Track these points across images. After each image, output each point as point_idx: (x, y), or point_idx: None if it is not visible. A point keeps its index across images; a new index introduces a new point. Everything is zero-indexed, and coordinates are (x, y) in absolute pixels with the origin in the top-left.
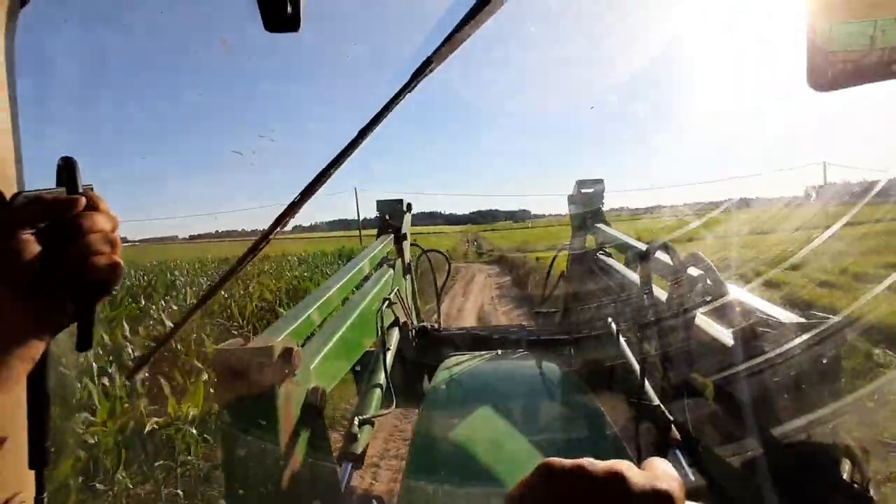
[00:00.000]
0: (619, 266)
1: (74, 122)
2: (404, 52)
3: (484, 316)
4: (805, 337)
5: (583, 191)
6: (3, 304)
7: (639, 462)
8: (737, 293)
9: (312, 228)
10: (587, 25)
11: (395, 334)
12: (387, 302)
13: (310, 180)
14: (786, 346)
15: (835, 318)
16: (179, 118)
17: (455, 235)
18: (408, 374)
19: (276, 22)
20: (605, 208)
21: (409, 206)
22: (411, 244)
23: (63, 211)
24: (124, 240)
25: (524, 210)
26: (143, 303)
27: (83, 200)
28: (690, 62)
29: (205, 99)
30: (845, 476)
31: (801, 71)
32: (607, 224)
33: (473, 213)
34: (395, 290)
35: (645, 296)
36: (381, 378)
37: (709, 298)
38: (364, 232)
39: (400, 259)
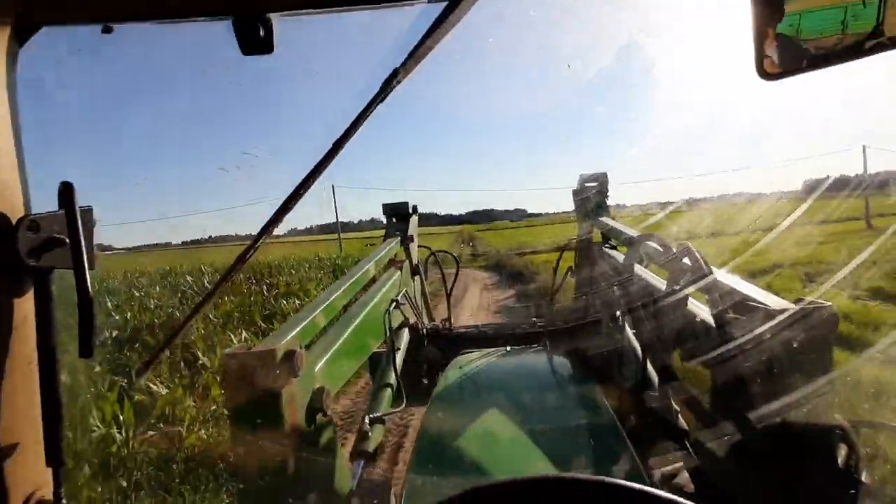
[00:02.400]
0: (622, 257)
1: (73, 147)
2: (374, 66)
3: None
4: (793, 319)
5: (586, 185)
6: None
7: (639, 453)
8: (723, 278)
9: (308, 231)
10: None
11: (405, 335)
12: (394, 303)
13: (290, 191)
14: (773, 328)
15: (823, 302)
16: (169, 138)
17: (449, 236)
18: (419, 374)
19: (251, 46)
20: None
21: (414, 208)
22: (420, 245)
23: None
24: (109, 248)
25: (520, 209)
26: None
27: None
28: (674, 50)
29: (190, 119)
30: (840, 459)
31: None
32: (611, 217)
33: (469, 213)
34: (404, 292)
35: (633, 284)
36: (392, 378)
37: (696, 284)
38: (350, 235)
39: (408, 261)
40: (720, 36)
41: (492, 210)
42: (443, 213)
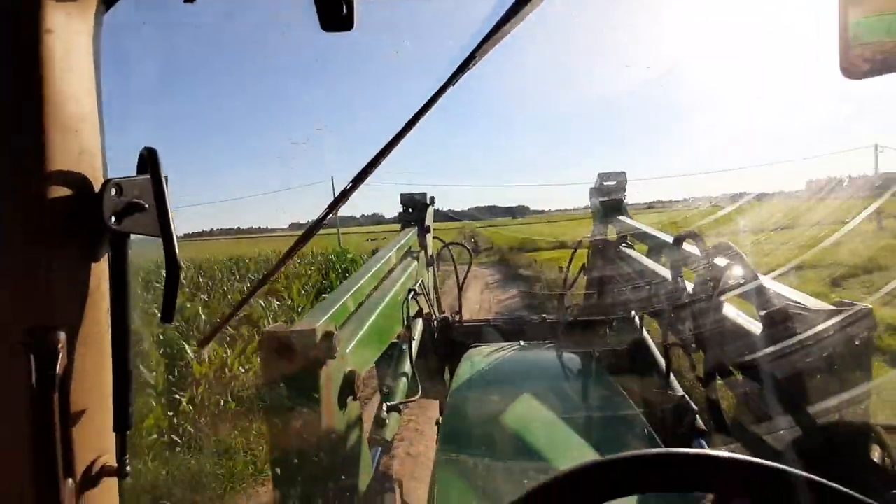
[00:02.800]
0: (641, 257)
1: (149, 116)
2: (448, 48)
3: None
4: (834, 321)
5: (605, 183)
6: None
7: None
8: (765, 281)
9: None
10: (599, 22)
11: (419, 325)
12: (412, 293)
13: (356, 173)
14: (814, 331)
15: (863, 305)
16: (243, 111)
17: (450, 232)
18: (430, 364)
19: (331, 22)
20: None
21: (432, 199)
22: (433, 237)
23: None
24: None
25: (523, 206)
26: None
27: None
28: (710, 53)
29: (266, 95)
30: (875, 458)
31: (832, 59)
32: (629, 216)
33: (472, 208)
34: (420, 282)
35: (670, 285)
36: (407, 367)
37: (737, 286)
38: (352, 229)
39: (423, 251)
40: (729, 42)
41: (494, 206)
42: (445, 209)
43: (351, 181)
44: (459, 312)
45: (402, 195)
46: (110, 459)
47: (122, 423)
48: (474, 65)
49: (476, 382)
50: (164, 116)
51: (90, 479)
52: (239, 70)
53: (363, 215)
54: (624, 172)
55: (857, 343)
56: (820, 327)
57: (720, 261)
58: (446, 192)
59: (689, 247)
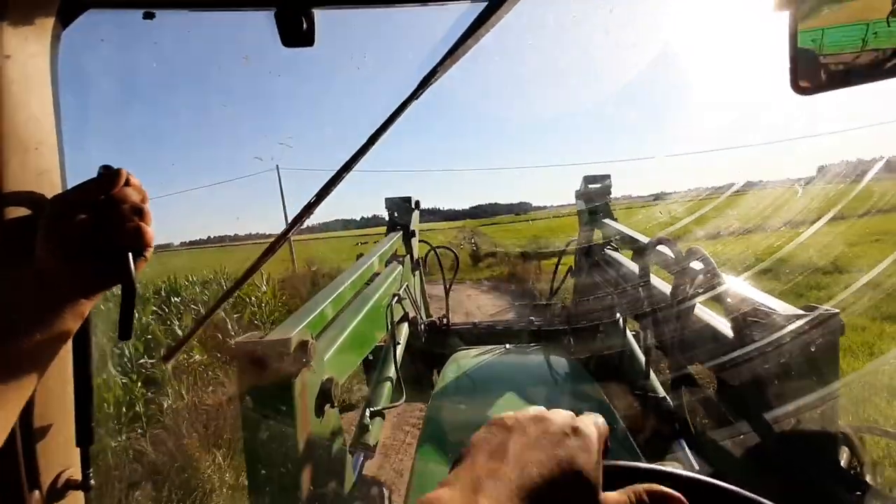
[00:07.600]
0: (624, 260)
1: (111, 133)
2: (411, 62)
3: None
4: (799, 324)
5: (590, 186)
6: (56, 265)
7: (643, 454)
8: (734, 284)
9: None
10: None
11: (405, 329)
12: (396, 297)
13: (323, 183)
14: (780, 335)
15: (830, 308)
16: (205, 128)
17: (449, 232)
18: (417, 368)
19: (293, 38)
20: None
21: (416, 203)
22: (420, 241)
23: (104, 189)
24: None
25: (525, 202)
26: None
27: (120, 177)
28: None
29: (228, 109)
30: (843, 462)
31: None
32: (613, 219)
33: (473, 207)
34: (405, 286)
35: (643, 288)
36: (392, 371)
37: (707, 290)
38: (347, 233)
39: (408, 256)
40: (721, 43)
41: (496, 204)
42: (445, 208)
43: (315, 195)
44: (447, 316)
45: (386, 200)
46: (75, 473)
47: (85, 437)
48: (436, 79)
49: (459, 386)
50: (125, 133)
51: (55, 492)
52: (201, 85)
53: (363, 217)
54: (608, 175)
55: (823, 347)
56: (786, 331)
57: (695, 265)
58: (446, 189)
59: (665, 250)
